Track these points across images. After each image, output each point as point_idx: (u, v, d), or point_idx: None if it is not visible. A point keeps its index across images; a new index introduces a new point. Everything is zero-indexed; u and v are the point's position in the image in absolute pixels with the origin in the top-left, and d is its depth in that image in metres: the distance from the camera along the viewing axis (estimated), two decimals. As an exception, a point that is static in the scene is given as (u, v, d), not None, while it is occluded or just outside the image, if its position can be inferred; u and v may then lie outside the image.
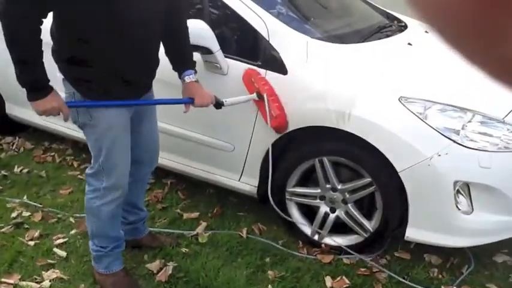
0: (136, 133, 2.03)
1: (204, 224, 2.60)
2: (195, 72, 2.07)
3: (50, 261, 2.32)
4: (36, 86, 1.76)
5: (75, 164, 3.21)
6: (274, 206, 2.40)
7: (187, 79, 2.04)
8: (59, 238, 2.48)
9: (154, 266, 2.28)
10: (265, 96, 2.25)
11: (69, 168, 3.18)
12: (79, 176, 3.03)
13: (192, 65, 2.07)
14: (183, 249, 2.41)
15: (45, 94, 1.76)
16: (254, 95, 2.28)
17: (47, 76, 1.76)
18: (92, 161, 1.96)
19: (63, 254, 2.37)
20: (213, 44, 2.35)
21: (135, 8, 1.75)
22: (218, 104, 2.17)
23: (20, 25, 1.65)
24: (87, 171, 2.00)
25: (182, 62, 2.07)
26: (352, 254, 2.37)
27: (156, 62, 1.97)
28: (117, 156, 1.91)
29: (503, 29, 0.27)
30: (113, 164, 1.92)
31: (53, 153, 3.34)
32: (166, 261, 2.32)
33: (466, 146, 2.12)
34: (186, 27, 2.07)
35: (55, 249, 2.40)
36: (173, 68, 2.09)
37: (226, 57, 2.42)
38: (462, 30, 0.29)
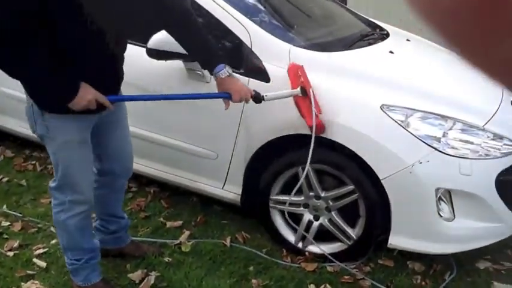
0: (107, 144, 2.02)
1: (187, 232, 2.58)
2: (226, 65, 1.96)
3: (29, 272, 2.27)
4: (62, 90, 1.72)
5: (57, 172, 3.16)
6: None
7: (221, 74, 1.93)
8: (39, 248, 2.43)
9: (136, 276, 2.25)
10: (311, 91, 2.13)
11: (50, 177, 3.12)
12: (60, 185, 2.98)
13: (219, 59, 1.97)
14: (166, 259, 2.38)
15: (75, 92, 1.70)
16: (298, 90, 2.13)
17: (65, 77, 1.70)
18: (54, 174, 1.92)
19: (43, 264, 2.32)
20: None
21: (108, 24, 1.70)
22: (257, 99, 2.04)
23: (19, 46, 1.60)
24: (50, 184, 1.96)
25: (209, 60, 1.98)
26: (335, 262, 2.37)
27: (121, 75, 1.93)
28: (76, 171, 1.87)
29: (502, 29, 0.27)
30: (74, 179, 1.88)
31: (33, 162, 3.29)
32: (149, 271, 2.29)
33: (447, 154, 2.14)
34: (199, 27, 1.99)
35: (35, 260, 2.35)
36: (202, 67, 2.08)
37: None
38: (462, 30, 0.29)
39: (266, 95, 2.06)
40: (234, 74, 2.07)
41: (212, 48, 2.00)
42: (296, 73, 2.21)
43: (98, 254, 2.10)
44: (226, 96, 1.97)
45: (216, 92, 2.01)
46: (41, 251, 2.42)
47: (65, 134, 1.81)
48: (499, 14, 0.26)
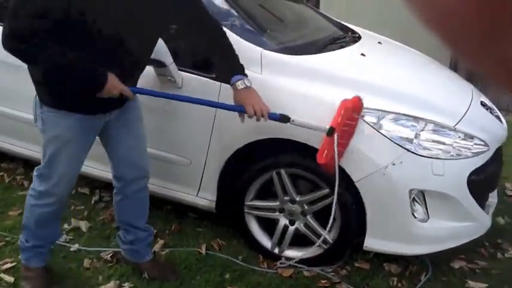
0: (117, 149, 2.06)
1: (161, 241, 2.52)
2: (246, 76, 1.96)
3: (-4, 288, 2.19)
4: (91, 79, 1.78)
5: (26, 183, 3.06)
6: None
7: (239, 85, 1.93)
8: (6, 263, 2.34)
9: (109, 287, 2.19)
10: (336, 136, 2.00)
11: (19, 188, 3.03)
12: (30, 196, 2.89)
13: (239, 70, 1.97)
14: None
15: (104, 80, 1.75)
16: (326, 128, 2.02)
17: (90, 66, 1.75)
18: (41, 162, 2.00)
19: (10, 279, 2.23)
20: (166, 57, 2.30)
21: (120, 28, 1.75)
22: (285, 119, 2.00)
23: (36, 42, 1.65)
24: (35, 170, 2.03)
25: (229, 67, 2.01)
26: (312, 267, 2.35)
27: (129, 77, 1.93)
28: (58, 167, 1.93)
29: (501, 28, 0.27)
30: (52, 172, 1.95)
31: (1, 173, 3.18)
32: (122, 282, 2.23)
33: (419, 155, 2.15)
34: (220, 33, 2.03)
35: (2, 275, 2.26)
36: (220, 75, 2.12)
37: (180, 70, 2.38)
38: (459, 31, 0.29)
39: (294, 120, 2.01)
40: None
41: (236, 59, 2.00)
42: (344, 113, 2.05)
43: (47, 246, 2.16)
44: (240, 109, 1.94)
45: (233, 104, 1.99)
46: (9, 265, 2.32)
47: (55, 130, 1.89)
48: (496, 14, 0.26)
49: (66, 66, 1.73)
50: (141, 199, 2.21)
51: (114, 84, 1.77)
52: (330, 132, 2.02)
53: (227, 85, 2.26)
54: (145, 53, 1.96)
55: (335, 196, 2.13)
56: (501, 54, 0.28)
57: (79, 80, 1.78)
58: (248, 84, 1.94)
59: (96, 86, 1.76)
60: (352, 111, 2.08)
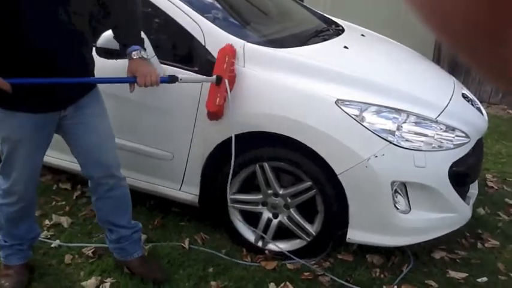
0: (76, 147, 2.00)
1: (144, 236, 2.49)
2: (143, 49, 1.92)
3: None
4: None
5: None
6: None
7: (133, 55, 1.88)
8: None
9: (90, 283, 2.16)
10: (226, 82, 2.13)
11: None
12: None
13: (138, 41, 1.92)
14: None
15: None
16: (213, 78, 2.14)
17: None
18: None
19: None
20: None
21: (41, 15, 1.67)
22: (173, 80, 2.01)
23: None
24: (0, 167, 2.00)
25: (124, 36, 1.94)
26: (296, 259, 2.35)
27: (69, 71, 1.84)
28: (14, 165, 1.90)
29: (504, 30, 0.27)
30: (10, 171, 1.92)
31: None
32: (104, 278, 2.21)
33: (401, 147, 2.16)
34: (135, 5, 1.94)
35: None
36: (118, 42, 1.97)
37: (162, 63, 2.34)
38: (461, 32, 0.29)
39: (181, 78, 2.04)
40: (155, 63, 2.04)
41: (136, 29, 1.94)
42: (223, 56, 2.19)
43: (26, 243, 2.13)
44: (132, 80, 1.91)
45: (125, 76, 1.94)
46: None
47: (4, 130, 1.85)
48: (499, 15, 0.27)
49: None
50: (117, 197, 2.11)
51: None
52: (219, 80, 2.15)
53: (209, 77, 2.25)
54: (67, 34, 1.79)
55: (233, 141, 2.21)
56: (506, 55, 0.28)
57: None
58: (144, 56, 1.90)
59: None
60: (233, 57, 2.22)
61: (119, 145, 2.53)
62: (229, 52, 2.22)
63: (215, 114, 2.20)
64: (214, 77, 2.16)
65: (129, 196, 2.17)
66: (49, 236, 2.49)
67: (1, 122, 1.83)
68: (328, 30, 2.99)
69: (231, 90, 2.19)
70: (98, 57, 2.19)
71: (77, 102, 1.91)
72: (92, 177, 2.04)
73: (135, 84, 1.92)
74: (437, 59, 4.74)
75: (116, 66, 2.27)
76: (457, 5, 0.28)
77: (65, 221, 2.60)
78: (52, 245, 2.41)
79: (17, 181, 1.93)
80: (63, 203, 2.79)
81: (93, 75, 1.99)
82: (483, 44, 0.29)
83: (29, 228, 2.11)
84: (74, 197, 2.85)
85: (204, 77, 2.22)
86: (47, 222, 2.59)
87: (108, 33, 2.12)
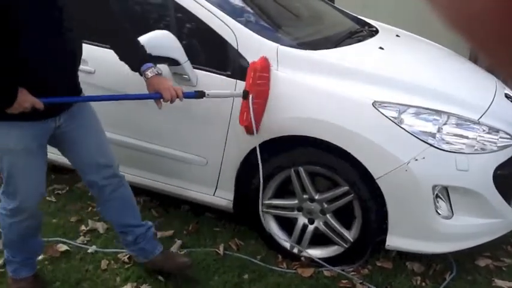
0: (76, 152, 1.99)
1: (179, 242, 2.49)
2: (155, 65, 1.97)
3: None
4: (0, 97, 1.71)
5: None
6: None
7: (149, 73, 1.92)
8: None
9: (126, 290, 2.17)
10: (250, 98, 2.09)
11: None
12: (47, 198, 2.88)
13: (147, 59, 1.97)
14: (157, 270, 2.29)
15: (14, 98, 1.69)
16: (240, 93, 2.12)
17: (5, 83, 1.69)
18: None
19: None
20: (180, 55, 2.27)
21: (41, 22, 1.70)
22: (200, 94, 2.02)
23: None
24: (2, 188, 1.95)
25: (135, 59, 1.98)
26: (332, 266, 2.29)
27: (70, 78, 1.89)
28: (18, 180, 1.85)
29: None
30: (15, 188, 1.86)
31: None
32: (139, 284, 2.20)
33: (442, 149, 2.08)
34: (123, 27, 1.99)
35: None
36: (132, 69, 2.01)
37: (194, 68, 2.34)
38: (489, 35, 0.28)
39: (209, 94, 2.04)
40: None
41: (141, 49, 1.99)
42: (254, 74, 2.13)
43: (35, 255, 2.15)
44: (157, 96, 1.93)
45: (147, 92, 1.97)
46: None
47: (6, 142, 1.79)
48: None
49: None
50: (122, 197, 2.12)
51: (24, 98, 1.69)
52: (245, 95, 2.10)
53: (243, 81, 2.23)
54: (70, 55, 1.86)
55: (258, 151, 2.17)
56: None
57: None
58: (159, 72, 1.95)
59: (5, 105, 1.69)
60: (261, 71, 2.14)
61: (154, 150, 2.56)
62: (259, 65, 2.15)
63: (247, 129, 2.17)
64: (241, 91, 2.12)
65: (132, 194, 2.18)
66: (85, 242, 2.51)
67: (1, 136, 1.78)
68: (362, 32, 2.92)
69: (262, 107, 2.17)
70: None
71: (69, 110, 1.90)
72: (96, 182, 2.03)
73: (162, 100, 1.94)
74: (474, 59, 4.59)
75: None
76: (485, 9, 0.27)
77: (100, 226, 2.62)
78: (88, 251, 2.43)
79: (26, 198, 1.89)
80: (99, 208, 2.80)
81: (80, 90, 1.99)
82: (507, 47, 0.28)
83: (39, 241, 2.12)
84: (109, 203, 2.86)
85: (231, 92, 2.21)
86: (83, 227, 2.61)
87: (141, 40, 2.13)
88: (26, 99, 1.70)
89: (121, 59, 2.00)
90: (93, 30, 2.05)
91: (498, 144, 2.19)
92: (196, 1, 2.36)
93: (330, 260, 2.32)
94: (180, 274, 2.23)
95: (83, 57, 1.97)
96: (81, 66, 2.44)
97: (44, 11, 1.70)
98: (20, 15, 1.64)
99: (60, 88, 1.83)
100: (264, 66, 2.18)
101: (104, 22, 1.96)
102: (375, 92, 2.16)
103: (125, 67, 2.08)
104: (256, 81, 2.12)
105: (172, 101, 1.94)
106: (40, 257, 2.37)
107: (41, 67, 1.74)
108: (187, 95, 2.00)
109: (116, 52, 2.01)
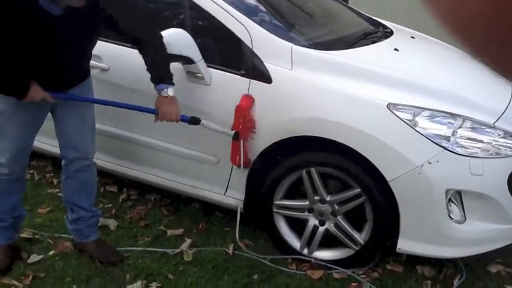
0: (60, 128, 2.19)
1: (188, 241, 2.49)
2: (171, 85, 2.11)
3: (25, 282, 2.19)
4: (14, 90, 1.98)
5: (55, 181, 3.08)
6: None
7: (161, 93, 2.11)
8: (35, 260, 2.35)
9: (135, 287, 2.17)
10: (241, 142, 2.24)
11: (48, 186, 3.06)
12: (59, 194, 2.90)
13: (165, 79, 2.11)
14: (167, 268, 2.29)
15: (24, 93, 1.95)
16: (231, 133, 2.25)
17: (15, 77, 1.96)
18: None
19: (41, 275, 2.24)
20: (194, 53, 2.27)
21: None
22: (195, 121, 2.20)
23: None
24: None
25: (154, 76, 2.12)
26: (342, 269, 2.28)
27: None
28: (5, 138, 2.08)
29: None
30: (2, 145, 2.09)
31: (31, 171, 3.21)
32: (149, 282, 2.20)
33: (456, 153, 2.06)
34: (151, 41, 2.11)
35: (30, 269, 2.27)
36: (152, 81, 2.14)
37: (208, 66, 2.34)
38: (486, 37, 0.29)
39: (203, 123, 2.22)
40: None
41: (160, 67, 2.14)
42: (240, 114, 2.23)
43: (9, 221, 2.23)
44: (154, 111, 2.13)
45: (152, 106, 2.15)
46: (37, 258, 2.34)
47: (3, 104, 2.02)
48: None
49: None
50: (84, 179, 2.27)
51: (35, 93, 1.96)
52: (236, 136, 2.23)
53: (258, 82, 2.23)
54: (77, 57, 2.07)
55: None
56: None
57: (2, 89, 1.97)
58: (170, 94, 2.10)
59: (17, 97, 1.96)
60: (246, 109, 2.22)
61: (165, 148, 2.56)
62: (244, 105, 2.23)
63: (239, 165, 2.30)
64: (232, 132, 2.24)
65: (96, 181, 2.36)
66: (96, 238, 2.51)
67: (2, 97, 2.00)
68: (377, 33, 2.90)
69: (246, 139, 2.26)
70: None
71: (71, 91, 2.11)
72: (67, 157, 2.23)
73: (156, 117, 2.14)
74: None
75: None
76: (481, 11, 0.27)
77: (111, 223, 2.63)
78: (99, 247, 2.43)
79: (8, 154, 2.09)
80: (110, 205, 2.82)
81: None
82: (504, 49, 0.28)
83: (14, 206, 2.23)
84: (120, 200, 2.88)
85: (223, 129, 2.27)
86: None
87: None
88: (37, 94, 1.97)
89: (148, 69, 2.14)
90: (126, 35, 2.19)
91: (513, 149, 2.16)
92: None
93: (340, 262, 2.30)
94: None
95: (97, 54, 2.04)
96: (96, 63, 2.48)
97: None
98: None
99: (66, 80, 2.08)
100: (249, 103, 2.24)
101: (141, 31, 2.12)
102: (390, 93, 2.14)
103: (139, 65, 2.09)
104: (245, 120, 2.22)
105: (166, 121, 2.15)
106: (51, 252, 2.40)
107: (49, 63, 1.96)
108: (183, 119, 2.17)
109: (144, 58, 2.13)
